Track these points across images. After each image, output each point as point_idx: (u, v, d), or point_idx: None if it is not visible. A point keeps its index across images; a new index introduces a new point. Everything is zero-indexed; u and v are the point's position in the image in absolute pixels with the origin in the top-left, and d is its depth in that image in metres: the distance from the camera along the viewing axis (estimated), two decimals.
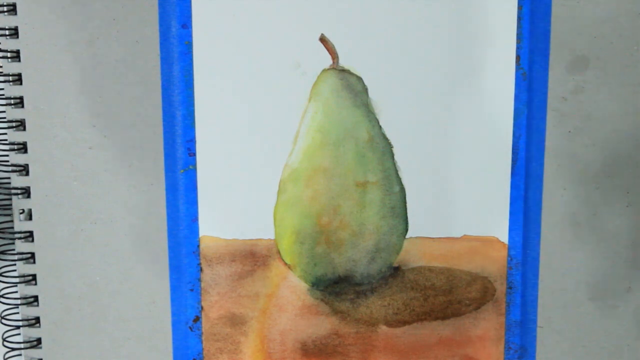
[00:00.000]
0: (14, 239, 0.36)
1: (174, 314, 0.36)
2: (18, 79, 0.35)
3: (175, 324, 0.37)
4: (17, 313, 0.37)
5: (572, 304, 0.36)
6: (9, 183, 0.36)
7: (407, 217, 0.36)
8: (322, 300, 0.36)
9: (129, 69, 0.35)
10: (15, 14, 0.34)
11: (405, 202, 0.36)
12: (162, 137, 0.35)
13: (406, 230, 0.36)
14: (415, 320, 0.36)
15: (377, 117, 0.35)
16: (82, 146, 0.35)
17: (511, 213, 0.35)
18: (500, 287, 0.36)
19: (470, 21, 0.34)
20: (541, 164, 0.35)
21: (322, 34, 0.34)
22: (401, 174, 0.35)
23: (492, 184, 0.35)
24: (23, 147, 0.36)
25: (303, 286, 0.36)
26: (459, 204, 0.35)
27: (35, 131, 0.35)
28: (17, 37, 0.35)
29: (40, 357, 0.37)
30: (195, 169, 0.35)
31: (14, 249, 0.36)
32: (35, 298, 0.37)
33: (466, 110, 0.35)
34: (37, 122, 0.35)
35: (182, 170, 0.35)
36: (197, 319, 0.36)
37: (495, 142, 0.35)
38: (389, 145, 0.35)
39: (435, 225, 0.36)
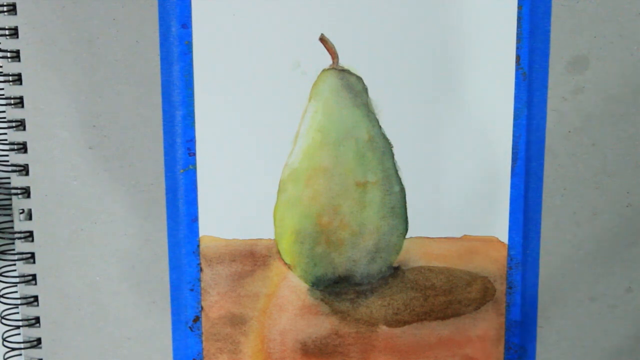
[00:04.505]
0: (14, 239, 0.36)
1: (174, 314, 0.36)
2: (18, 79, 0.35)
3: (175, 324, 0.37)
4: (17, 313, 0.37)
5: (572, 304, 0.36)
6: (9, 183, 0.36)
7: (407, 217, 0.36)
8: (322, 300, 0.36)
9: (129, 69, 0.35)
10: (15, 14, 0.34)
11: (405, 202, 0.36)
12: (162, 137, 0.35)
13: (406, 230, 0.36)
14: (415, 320, 0.36)
15: (377, 117, 0.35)
16: (82, 146, 0.35)
17: (511, 213, 0.35)
18: (500, 287, 0.36)
19: (470, 21, 0.34)
20: (541, 164, 0.35)
21: (322, 34, 0.34)
22: (401, 174, 0.35)
23: (492, 184, 0.35)
24: (23, 147, 0.36)
25: (303, 286, 0.36)
26: (459, 204, 0.35)
27: (35, 131, 0.35)
28: (17, 37, 0.35)
29: (40, 357, 0.37)
30: (195, 169, 0.35)
31: (14, 249, 0.36)
32: (35, 298, 0.37)
33: (466, 110, 0.35)
34: (37, 122, 0.35)
35: (182, 170, 0.35)
36: (197, 319, 0.36)
37: (495, 142, 0.35)
38: (389, 145, 0.35)
39: (435, 225, 0.36)
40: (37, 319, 0.37)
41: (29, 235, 0.36)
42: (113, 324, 0.37)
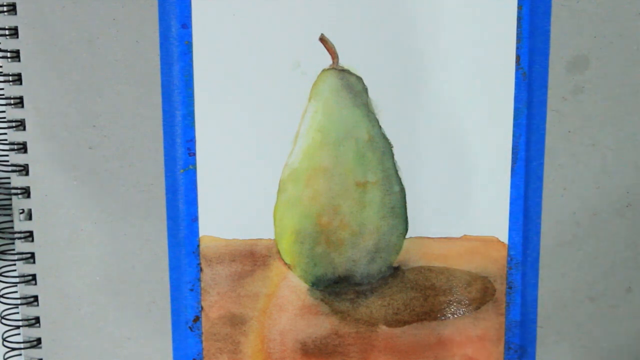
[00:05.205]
0: (14, 239, 0.36)
1: (174, 314, 0.36)
2: (18, 79, 0.35)
3: (175, 324, 0.37)
4: (17, 313, 0.37)
5: (572, 304, 0.36)
6: (9, 183, 0.36)
7: (407, 217, 0.36)
8: (322, 300, 0.36)
9: (129, 69, 0.35)
10: (15, 14, 0.34)
11: (405, 202, 0.36)
12: (162, 137, 0.35)
13: (406, 230, 0.36)
14: (415, 320, 0.36)
15: (377, 117, 0.35)
16: (82, 146, 0.35)
17: (511, 213, 0.35)
18: (500, 287, 0.36)
19: (470, 21, 0.34)
20: (541, 164, 0.35)
21: (322, 34, 0.34)
22: (401, 174, 0.35)
23: (492, 184, 0.35)
24: (23, 147, 0.36)
25: (303, 286, 0.36)
26: (459, 204, 0.35)
27: (35, 131, 0.35)
28: (17, 37, 0.35)
29: (40, 357, 0.37)
30: (195, 169, 0.35)
31: (14, 249, 0.36)
32: (35, 298, 0.37)
33: (466, 110, 0.35)
34: (37, 122, 0.35)
35: (182, 170, 0.35)
36: (197, 319, 0.36)
37: (495, 142, 0.35)
38: (389, 145, 0.35)
39: (435, 225, 0.36)
40: (37, 319, 0.37)
41: (29, 235, 0.36)
42: (113, 324, 0.37)
